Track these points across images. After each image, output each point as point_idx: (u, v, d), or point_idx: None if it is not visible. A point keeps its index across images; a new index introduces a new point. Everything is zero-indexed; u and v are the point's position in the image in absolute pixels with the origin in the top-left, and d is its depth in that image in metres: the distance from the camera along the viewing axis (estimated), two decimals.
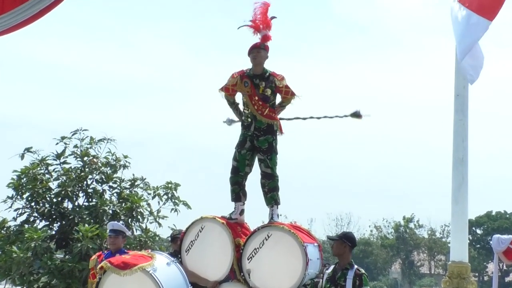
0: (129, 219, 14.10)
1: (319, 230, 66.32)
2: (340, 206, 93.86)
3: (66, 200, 14.00)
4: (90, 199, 14.20)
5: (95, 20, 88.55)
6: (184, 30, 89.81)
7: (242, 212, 7.79)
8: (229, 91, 7.76)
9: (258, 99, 7.61)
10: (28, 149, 14.08)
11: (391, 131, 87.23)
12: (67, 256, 13.24)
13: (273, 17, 7.83)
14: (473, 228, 61.97)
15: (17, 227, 13.58)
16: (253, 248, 7.32)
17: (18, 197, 13.80)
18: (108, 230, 9.04)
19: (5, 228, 13.54)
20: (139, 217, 14.19)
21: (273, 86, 7.65)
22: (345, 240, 7.29)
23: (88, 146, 14.44)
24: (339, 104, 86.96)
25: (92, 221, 13.22)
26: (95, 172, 14.30)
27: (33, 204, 13.85)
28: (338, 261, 7.30)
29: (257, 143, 7.63)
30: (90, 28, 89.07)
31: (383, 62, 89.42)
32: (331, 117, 8.15)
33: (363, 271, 7.26)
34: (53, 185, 14.08)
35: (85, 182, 14.23)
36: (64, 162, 14.28)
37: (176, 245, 8.56)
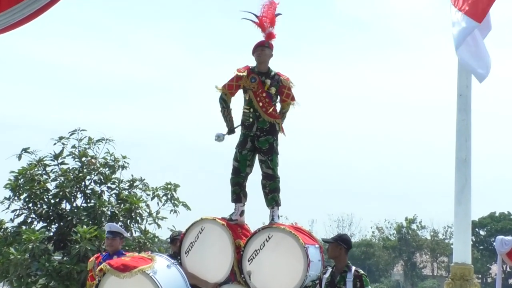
0: (128, 220, 14.11)
1: (320, 232, 66.19)
2: (341, 207, 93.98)
3: (64, 201, 14.01)
4: (88, 200, 14.20)
5: (94, 19, 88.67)
6: (183, 30, 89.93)
7: (242, 213, 7.79)
8: (232, 88, 7.69)
9: (266, 96, 7.60)
10: (25, 150, 14.09)
11: (393, 131, 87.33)
12: (65, 258, 13.25)
13: (278, 14, 7.83)
14: (477, 229, 61.97)
15: (14, 229, 13.59)
16: (254, 250, 7.32)
17: (16, 198, 13.80)
18: (106, 232, 9.06)
19: (2, 230, 13.56)
20: (138, 218, 14.20)
21: (278, 85, 7.64)
22: (340, 243, 7.29)
23: (86, 146, 14.45)
24: (340, 104, 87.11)
25: (90, 222, 13.23)
26: (93, 172, 14.30)
27: (30, 205, 13.86)
28: (335, 264, 7.30)
29: (258, 144, 7.63)
30: (88, 27, 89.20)
31: (384, 62, 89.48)
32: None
33: (362, 271, 7.26)
34: (51, 186, 14.09)
35: (83, 183, 14.23)
36: (62, 163, 14.29)
37: (175, 247, 8.56)
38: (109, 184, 14.52)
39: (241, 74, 7.66)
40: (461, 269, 7.56)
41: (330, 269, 7.34)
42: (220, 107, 7.78)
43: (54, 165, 14.26)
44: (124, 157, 14.63)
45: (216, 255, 7.55)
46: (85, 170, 14.19)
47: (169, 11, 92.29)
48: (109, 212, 13.89)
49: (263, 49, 7.68)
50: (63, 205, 14.03)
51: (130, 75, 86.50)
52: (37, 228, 13.62)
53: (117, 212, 13.93)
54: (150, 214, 14.41)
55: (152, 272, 6.97)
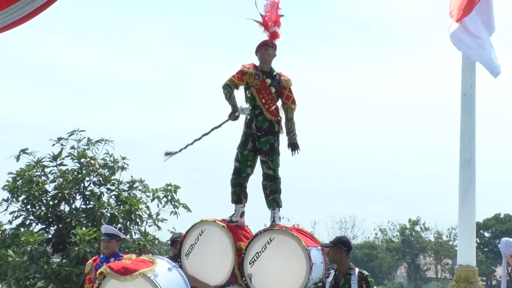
0: (128, 222, 14.12)
1: (323, 233, 66.24)
2: (344, 208, 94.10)
3: (63, 203, 14.03)
4: (87, 202, 14.22)
5: (93, 19, 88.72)
6: (183, 30, 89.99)
7: (242, 214, 7.79)
8: (240, 79, 7.68)
9: (268, 93, 7.61)
10: (23, 151, 14.10)
11: (396, 132, 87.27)
12: (64, 260, 13.26)
13: (281, 15, 7.83)
14: (481, 231, 61.94)
15: (12, 231, 13.61)
16: (255, 252, 7.31)
17: (14, 199, 13.83)
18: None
19: (0, 232, 13.57)
20: (138, 220, 14.21)
21: (278, 86, 7.65)
22: (340, 246, 7.29)
23: (86, 147, 14.47)
24: (342, 105, 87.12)
25: (89, 224, 13.24)
26: (92, 174, 14.32)
27: (29, 207, 13.88)
28: (337, 267, 7.29)
29: (259, 145, 7.62)
30: (88, 27, 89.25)
31: (387, 62, 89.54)
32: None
33: (366, 272, 7.25)
34: (50, 187, 14.12)
35: (82, 184, 14.25)
36: (61, 164, 14.30)
37: (176, 249, 8.56)
38: (108, 186, 14.54)
39: (246, 69, 7.67)
40: (466, 272, 7.55)
41: (333, 273, 7.34)
42: (224, 93, 7.69)
43: (53, 166, 14.28)
44: (123, 158, 14.65)
45: (217, 257, 7.54)
46: (84, 171, 14.20)
47: (169, 11, 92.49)
48: (108, 214, 13.91)
49: (266, 49, 7.69)
50: (62, 207, 14.05)
51: (130, 75, 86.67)
52: (35, 230, 13.64)
53: (116, 213, 13.94)
54: (150, 216, 14.42)
55: (153, 275, 6.96)
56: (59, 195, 13.85)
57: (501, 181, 78.65)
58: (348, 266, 7.24)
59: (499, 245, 13.40)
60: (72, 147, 14.38)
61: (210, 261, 7.58)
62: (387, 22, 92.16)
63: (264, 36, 7.76)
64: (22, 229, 13.37)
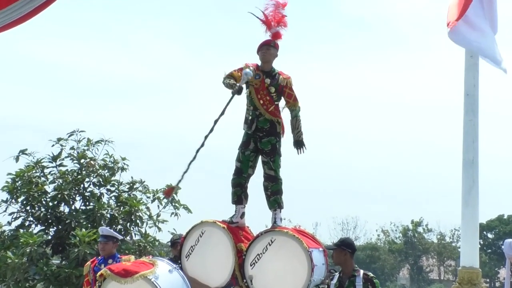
0: (128, 224, 14.14)
1: (324, 235, 66.25)
2: (346, 209, 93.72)
3: (63, 204, 14.05)
4: (87, 203, 14.23)
5: (93, 19, 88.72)
6: (183, 30, 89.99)
7: (243, 215, 7.79)
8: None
9: (266, 94, 7.60)
10: (23, 151, 14.13)
11: (398, 133, 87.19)
12: (63, 262, 13.28)
13: (284, 15, 7.82)
14: (484, 232, 61.88)
15: (12, 232, 13.63)
16: (256, 254, 7.30)
17: (13, 200, 13.85)
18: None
19: None
20: (138, 221, 14.23)
21: (277, 85, 7.64)
22: (344, 248, 7.29)
23: (85, 148, 14.49)
24: (344, 105, 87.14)
25: (89, 225, 13.26)
26: (92, 174, 14.34)
27: (28, 208, 13.90)
28: (342, 269, 7.28)
29: (260, 145, 7.62)
30: (87, 27, 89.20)
31: (388, 61, 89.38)
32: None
33: (371, 274, 7.25)
34: (49, 188, 14.14)
35: (82, 185, 14.27)
36: (61, 165, 14.33)
37: (176, 250, 8.56)
38: (108, 187, 14.56)
39: (249, 65, 7.66)
40: (469, 273, 7.54)
41: (337, 275, 7.33)
42: (223, 82, 7.64)
43: (52, 167, 14.30)
44: (123, 159, 14.67)
45: (217, 259, 7.54)
46: (84, 172, 14.22)
47: (169, 11, 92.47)
48: (108, 215, 13.93)
49: (268, 48, 7.68)
50: (61, 208, 14.07)
51: (129, 75, 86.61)
52: (35, 231, 13.66)
53: (116, 215, 13.95)
54: (150, 217, 14.44)
55: (154, 278, 6.96)
56: (59, 196, 13.87)
57: (504, 182, 78.56)
58: (352, 268, 7.23)
59: (502, 247, 13.37)
60: (72, 148, 14.42)
61: (211, 262, 7.58)
62: (387, 21, 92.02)
63: (266, 36, 7.76)
64: (21, 231, 13.39)
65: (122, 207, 14.17)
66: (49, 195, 14.01)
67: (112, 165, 14.53)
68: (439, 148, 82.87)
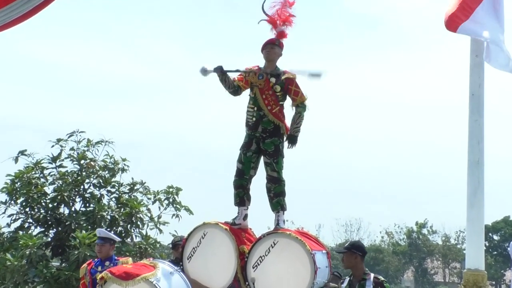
0: (129, 225, 14.14)
1: (328, 237, 66.40)
2: (349, 211, 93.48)
3: (62, 206, 14.06)
4: (87, 204, 14.24)
5: (93, 19, 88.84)
6: (183, 29, 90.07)
7: (245, 217, 7.79)
8: (242, 80, 7.69)
9: (272, 94, 7.59)
10: (22, 152, 14.14)
11: (402, 133, 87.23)
12: (63, 264, 13.29)
13: (292, 15, 7.81)
14: (490, 234, 61.84)
15: (11, 234, 13.64)
16: (259, 256, 7.30)
17: (12, 202, 13.87)
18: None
19: None
20: (138, 223, 14.24)
21: (283, 83, 7.62)
22: (354, 251, 7.28)
23: (85, 148, 14.50)
24: (348, 105, 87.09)
25: (89, 227, 13.26)
26: (92, 176, 14.35)
27: (27, 209, 13.91)
28: (352, 273, 7.28)
29: (263, 146, 7.61)
30: (86, 27, 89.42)
31: (391, 61, 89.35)
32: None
33: (382, 278, 7.24)
34: (49, 189, 14.16)
35: (82, 187, 14.28)
36: (60, 166, 14.34)
37: (177, 252, 8.56)
38: (108, 188, 14.57)
39: (248, 69, 7.67)
40: (474, 276, 7.53)
41: (347, 278, 7.34)
42: (226, 89, 7.74)
43: (52, 168, 14.32)
44: (124, 160, 14.68)
45: (219, 261, 7.54)
46: (84, 173, 14.24)
47: (169, 11, 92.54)
48: (109, 217, 13.94)
49: (272, 47, 7.67)
50: (61, 210, 14.09)
51: (129, 75, 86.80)
52: (34, 233, 13.67)
53: (117, 216, 13.96)
54: (151, 218, 14.45)
55: (156, 280, 6.97)
56: (59, 197, 13.88)
57: (510, 183, 78.29)
58: (363, 271, 7.23)
59: (508, 248, 13.37)
60: (72, 149, 14.43)
61: (213, 264, 7.58)
62: (391, 20, 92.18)
63: (271, 35, 7.75)
64: (20, 233, 13.41)
65: (122, 209, 14.18)
66: (48, 197, 14.02)
67: (113, 166, 14.54)
68: (443, 149, 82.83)
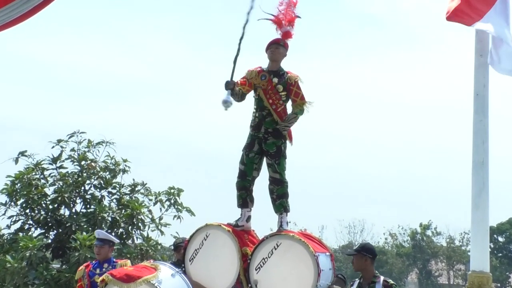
0: (130, 227, 14.16)
1: (331, 238, 66.31)
2: (352, 212, 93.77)
3: (63, 207, 14.08)
4: (88, 206, 14.26)
5: (93, 18, 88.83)
6: (184, 27, 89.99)
7: (249, 218, 7.80)
8: (245, 83, 7.70)
9: (275, 93, 7.60)
10: (22, 153, 14.17)
11: (406, 134, 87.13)
12: (64, 266, 13.31)
13: (297, 16, 7.83)
14: (495, 236, 61.82)
15: (11, 236, 13.66)
16: (262, 258, 7.31)
17: (12, 203, 13.89)
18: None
19: None
20: (140, 224, 14.26)
21: (285, 83, 7.63)
22: (364, 253, 7.29)
23: (86, 149, 14.53)
24: (349, 107, 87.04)
25: (90, 229, 13.28)
26: (93, 177, 14.37)
27: (28, 211, 13.93)
28: (362, 275, 7.29)
29: (265, 147, 7.63)
30: (86, 25, 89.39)
31: (396, 60, 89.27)
32: None
33: (391, 281, 7.24)
34: (49, 190, 14.19)
35: (82, 188, 14.31)
36: (61, 167, 14.37)
37: (179, 254, 8.57)
38: (109, 189, 14.59)
39: (251, 73, 7.68)
40: (479, 278, 7.54)
41: (357, 281, 7.35)
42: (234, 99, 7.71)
43: (53, 169, 14.35)
44: (125, 161, 14.70)
45: (222, 263, 7.55)
46: (84, 174, 14.26)
47: (172, 7, 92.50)
48: (109, 218, 13.96)
49: (277, 47, 7.69)
50: (61, 211, 14.11)
51: (130, 75, 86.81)
52: (34, 235, 13.69)
53: (118, 218, 13.99)
54: (152, 220, 14.46)
55: (157, 282, 6.98)
56: (59, 198, 13.90)
57: None
58: (373, 274, 7.24)
59: None
60: (72, 149, 14.46)
61: (215, 266, 7.60)
62: (396, 18, 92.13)
63: (276, 35, 7.77)
64: (20, 234, 13.43)
65: (123, 210, 14.20)
66: (49, 198, 14.05)
67: (113, 167, 14.56)
68: (448, 149, 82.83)
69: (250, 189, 7.78)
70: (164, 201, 14.64)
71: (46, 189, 14.13)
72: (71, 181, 14.13)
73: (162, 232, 14.42)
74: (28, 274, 12.85)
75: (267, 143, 7.62)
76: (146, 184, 14.84)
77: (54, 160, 14.28)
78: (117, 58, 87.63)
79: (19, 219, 13.92)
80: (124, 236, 14.04)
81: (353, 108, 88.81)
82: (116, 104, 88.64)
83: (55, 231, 14.01)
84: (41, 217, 13.90)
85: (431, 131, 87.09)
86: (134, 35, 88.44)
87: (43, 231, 13.97)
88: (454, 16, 7.64)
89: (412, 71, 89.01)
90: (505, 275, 61.78)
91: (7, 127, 79.10)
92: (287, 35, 7.77)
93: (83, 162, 14.32)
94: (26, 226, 13.93)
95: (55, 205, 13.97)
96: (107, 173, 14.49)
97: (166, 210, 14.63)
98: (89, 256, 12.25)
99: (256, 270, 7.33)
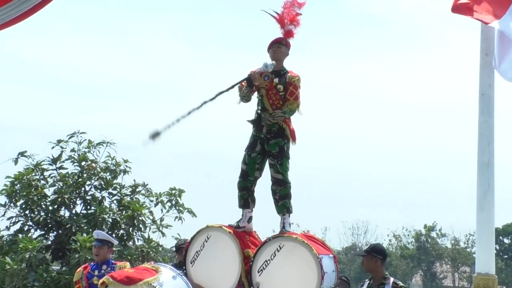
0: (130, 228, 14.16)
1: (334, 240, 66.45)
2: (356, 213, 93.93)
3: (63, 208, 14.08)
4: (88, 207, 14.26)
5: (93, 17, 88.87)
6: (184, 27, 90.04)
7: (250, 219, 7.79)
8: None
9: (275, 93, 7.61)
10: (22, 154, 14.17)
11: (409, 134, 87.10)
12: (64, 268, 13.31)
13: (298, 13, 7.83)
14: (500, 237, 61.79)
15: (10, 237, 13.67)
16: (264, 260, 7.30)
17: (12, 204, 13.89)
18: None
19: None
20: (141, 226, 14.26)
21: (285, 83, 7.64)
22: (374, 254, 7.30)
23: (86, 150, 14.53)
24: (353, 107, 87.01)
25: (90, 230, 13.27)
26: (93, 177, 14.37)
27: (27, 212, 13.94)
28: (372, 276, 7.29)
29: (268, 147, 7.63)
30: (86, 25, 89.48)
31: (399, 60, 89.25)
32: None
33: (401, 283, 7.25)
34: (49, 191, 14.18)
35: (83, 189, 14.31)
36: (61, 167, 14.37)
37: (181, 256, 8.58)
38: (110, 190, 14.59)
39: (254, 71, 7.67)
40: (484, 280, 7.53)
41: (367, 282, 7.36)
42: (241, 99, 7.72)
43: (52, 169, 14.35)
44: (126, 161, 14.70)
45: (223, 265, 7.55)
46: (85, 175, 14.26)
47: (172, 7, 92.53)
48: (110, 220, 13.95)
49: (279, 46, 7.69)
50: (61, 212, 14.11)
51: (130, 75, 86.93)
52: (34, 236, 13.70)
53: (118, 219, 13.99)
54: (153, 221, 14.46)
55: (158, 285, 6.97)
56: (59, 199, 13.90)
57: None
58: (382, 276, 7.24)
59: None
60: (73, 150, 14.45)
61: (217, 268, 7.59)
62: (399, 17, 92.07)
63: (279, 34, 7.77)
64: (20, 236, 13.42)
65: (124, 211, 14.20)
66: (49, 199, 14.05)
67: (114, 167, 14.56)
68: (453, 150, 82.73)
69: (252, 189, 7.79)
70: (165, 202, 14.64)
71: (46, 190, 14.13)
72: (71, 182, 14.13)
73: (163, 234, 14.42)
74: (28, 276, 12.85)
75: (269, 143, 7.62)
76: (147, 185, 14.85)
77: (54, 160, 14.28)
78: (117, 58, 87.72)
79: (19, 220, 13.92)
80: (125, 238, 14.04)
81: (357, 109, 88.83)
82: (116, 104, 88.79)
83: (55, 232, 14.01)
84: (41, 218, 13.91)
85: (435, 132, 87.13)
86: (134, 35, 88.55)
87: (43, 232, 13.97)
88: (463, 9, 7.53)
89: (415, 71, 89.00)
90: (511, 277, 61.73)
91: (6, 127, 79.29)
92: (289, 34, 7.77)
93: (83, 163, 14.32)
94: (26, 228, 13.93)
95: (55, 206, 13.97)
96: (108, 173, 14.48)
97: (167, 211, 14.63)
98: (89, 257, 12.24)
99: (258, 272, 7.32)
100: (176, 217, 14.57)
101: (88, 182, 14.34)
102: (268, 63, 7.53)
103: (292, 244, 7.27)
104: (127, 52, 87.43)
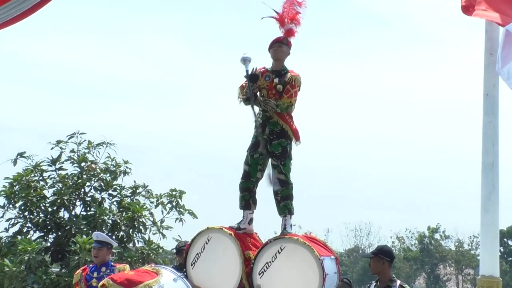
0: (131, 230, 14.15)
1: (337, 242, 66.27)
2: (358, 215, 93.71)
3: (62, 209, 14.08)
4: (88, 208, 14.26)
5: (91, 16, 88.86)
6: (184, 27, 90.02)
7: (251, 221, 7.79)
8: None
9: (275, 93, 7.61)
10: (21, 154, 14.17)
11: (413, 135, 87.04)
12: (63, 270, 13.31)
13: (298, 12, 7.83)
14: (505, 240, 61.67)
15: (9, 239, 13.66)
16: (265, 262, 7.30)
17: (10, 206, 13.89)
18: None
19: None
20: (141, 227, 14.24)
21: (284, 82, 7.64)
22: (382, 256, 7.29)
23: (86, 150, 14.52)
24: (356, 107, 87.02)
25: (90, 232, 13.26)
26: (93, 179, 14.37)
27: (26, 213, 13.93)
28: (379, 278, 7.29)
29: (270, 148, 7.62)
30: (85, 25, 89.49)
31: (403, 59, 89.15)
32: None
33: (407, 286, 7.23)
34: (48, 193, 14.17)
35: (82, 190, 14.30)
36: (60, 168, 14.36)
37: (181, 258, 8.57)
38: (110, 191, 14.58)
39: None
40: (489, 282, 7.51)
41: (373, 283, 7.36)
42: (243, 101, 7.75)
43: (52, 170, 14.34)
44: (126, 162, 14.69)
45: (224, 267, 7.55)
46: (84, 176, 14.25)
47: (172, 7, 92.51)
48: (110, 221, 13.94)
49: (280, 46, 7.70)
50: (61, 214, 14.10)
51: (131, 75, 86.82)
52: (33, 238, 13.69)
53: (118, 221, 13.98)
54: (154, 223, 14.45)
55: (159, 287, 6.97)
56: (58, 201, 13.89)
57: None
58: (389, 278, 7.24)
59: None
60: (72, 151, 14.45)
61: (217, 270, 7.59)
62: (402, 17, 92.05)
63: (279, 33, 7.77)
64: (19, 237, 13.42)
65: (124, 213, 14.19)
66: (48, 200, 14.04)
67: (114, 168, 14.55)
68: (457, 151, 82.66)
69: (254, 190, 7.79)
70: (165, 203, 14.63)
71: (45, 191, 14.13)
72: (70, 183, 14.12)
73: (163, 235, 14.41)
74: (27, 278, 12.84)
75: (272, 144, 7.62)
76: (147, 186, 14.84)
77: (54, 161, 14.27)
78: (117, 58, 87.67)
79: (18, 222, 13.92)
80: (125, 240, 14.03)
81: (359, 109, 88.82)
82: (116, 104, 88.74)
83: (54, 234, 14.00)
84: (40, 219, 13.90)
85: (439, 132, 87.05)
86: (134, 35, 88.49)
87: (42, 234, 13.96)
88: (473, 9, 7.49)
89: (418, 71, 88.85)
90: None
91: (5, 127, 79.21)
92: (289, 33, 7.77)
93: (83, 164, 14.32)
94: (25, 229, 13.92)
95: (55, 208, 13.97)
96: (108, 175, 14.47)
97: (168, 212, 14.62)
98: (89, 259, 12.23)
99: (259, 274, 7.32)
100: (177, 219, 14.56)
101: (87, 183, 14.33)
102: (246, 57, 7.58)
103: (293, 245, 7.26)
104: (127, 52, 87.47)
